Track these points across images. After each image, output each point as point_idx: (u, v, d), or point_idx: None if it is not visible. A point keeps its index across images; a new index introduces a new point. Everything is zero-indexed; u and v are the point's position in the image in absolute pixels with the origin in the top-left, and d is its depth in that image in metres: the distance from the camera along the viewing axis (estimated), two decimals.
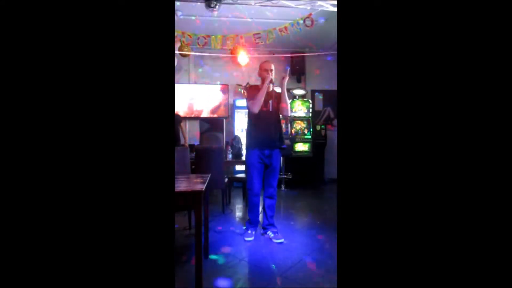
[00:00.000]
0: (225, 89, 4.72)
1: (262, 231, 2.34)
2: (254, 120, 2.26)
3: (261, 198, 2.36)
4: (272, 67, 2.29)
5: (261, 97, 2.18)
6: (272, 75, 2.24)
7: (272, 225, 2.31)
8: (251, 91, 2.28)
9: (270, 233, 2.25)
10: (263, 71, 2.27)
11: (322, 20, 3.55)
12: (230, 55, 3.83)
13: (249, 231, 2.30)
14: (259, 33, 3.43)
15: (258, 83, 2.33)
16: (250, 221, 2.36)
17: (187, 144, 3.64)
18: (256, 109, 2.19)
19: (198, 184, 1.61)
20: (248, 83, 4.61)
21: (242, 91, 4.71)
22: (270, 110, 2.27)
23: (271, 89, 2.28)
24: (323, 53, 4.61)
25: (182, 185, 1.64)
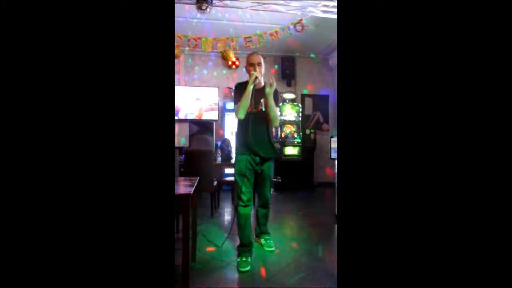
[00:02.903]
0: (215, 91, 4.70)
1: (254, 238, 2.15)
2: (243, 122, 1.90)
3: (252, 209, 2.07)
4: (261, 60, 1.89)
5: (246, 101, 1.82)
6: (261, 70, 1.87)
7: (265, 233, 2.16)
8: (238, 92, 1.90)
9: (262, 241, 2.13)
10: (248, 66, 1.89)
11: (312, 26, 3.60)
12: (220, 57, 3.82)
13: (244, 259, 1.82)
14: (250, 37, 3.44)
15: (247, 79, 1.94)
16: (242, 243, 1.89)
17: None
18: (241, 115, 1.85)
19: (186, 187, 1.58)
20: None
21: (232, 93, 4.70)
22: (263, 110, 1.90)
23: (262, 85, 1.89)
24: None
25: None
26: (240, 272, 1.74)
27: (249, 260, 1.83)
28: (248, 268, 1.76)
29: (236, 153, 1.99)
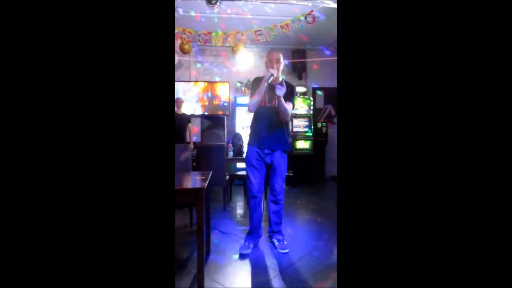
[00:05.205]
0: (225, 86, 4.71)
1: (267, 238, 2.14)
2: (256, 115, 2.00)
3: (264, 202, 2.12)
4: (280, 57, 1.94)
5: (259, 96, 1.88)
6: (279, 66, 1.92)
7: (277, 232, 2.06)
8: (254, 86, 1.97)
9: (275, 241, 2.03)
10: (268, 62, 1.94)
11: (323, 17, 3.53)
12: (231, 52, 3.81)
13: (246, 243, 1.98)
14: (260, 30, 3.41)
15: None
16: (249, 230, 2.04)
17: (191, 144, 3.62)
18: (251, 109, 1.94)
19: (199, 181, 1.61)
20: (249, 81, 4.58)
21: (242, 88, 4.70)
22: (276, 106, 1.91)
23: (280, 80, 1.95)
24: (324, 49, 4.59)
25: (183, 182, 1.64)
26: (240, 254, 1.89)
27: (251, 245, 1.97)
28: (247, 251, 1.91)
29: (247, 144, 2.08)
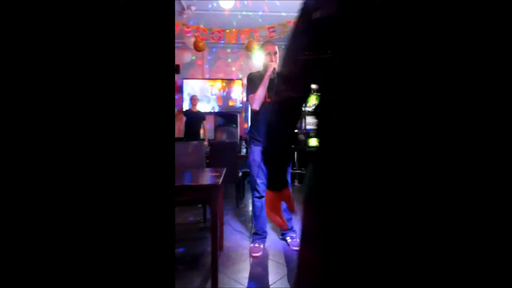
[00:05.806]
0: (238, 83, 4.72)
1: (280, 236, 2.14)
2: (258, 112, 1.92)
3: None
4: (276, 49, 1.89)
5: (262, 91, 1.83)
6: (277, 59, 1.87)
7: (290, 230, 2.04)
8: (251, 82, 1.91)
9: (288, 239, 2.03)
10: (266, 55, 1.89)
11: None
12: (244, 49, 3.81)
13: (256, 244, 1.94)
14: (273, 27, 3.39)
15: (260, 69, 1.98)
16: (256, 230, 2.00)
17: (206, 142, 3.67)
18: (256, 106, 1.88)
19: (214, 177, 1.63)
20: None
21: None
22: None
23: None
24: None
25: (198, 178, 1.67)
26: (252, 257, 1.85)
27: (261, 246, 1.93)
28: (259, 254, 1.87)
29: (250, 144, 1.98)
